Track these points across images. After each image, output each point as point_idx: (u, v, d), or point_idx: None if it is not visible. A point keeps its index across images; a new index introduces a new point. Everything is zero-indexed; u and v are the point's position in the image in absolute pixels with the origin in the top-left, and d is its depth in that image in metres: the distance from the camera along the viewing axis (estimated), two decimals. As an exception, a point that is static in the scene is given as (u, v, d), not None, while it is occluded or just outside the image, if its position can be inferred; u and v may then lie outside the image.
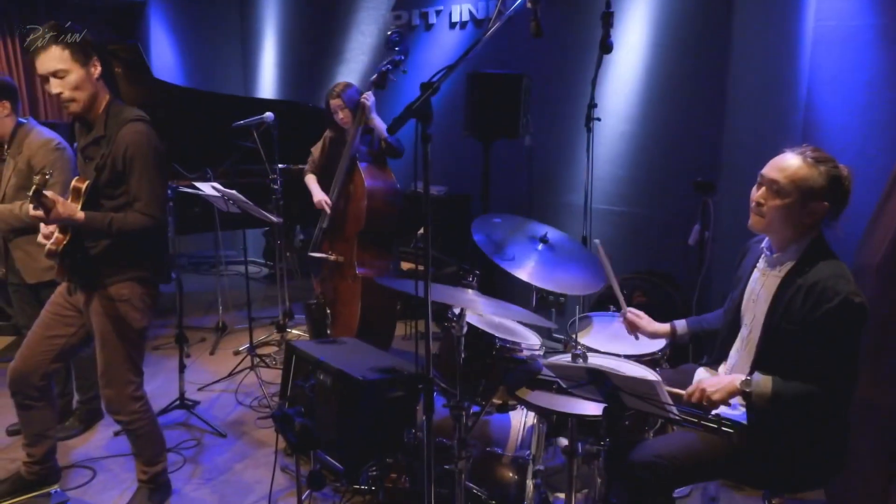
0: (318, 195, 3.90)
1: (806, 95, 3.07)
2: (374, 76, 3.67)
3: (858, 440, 2.07)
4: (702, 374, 2.25)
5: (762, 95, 3.50)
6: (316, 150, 4.08)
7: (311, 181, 4.00)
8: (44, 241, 2.41)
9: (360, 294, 3.75)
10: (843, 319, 1.85)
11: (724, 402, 1.95)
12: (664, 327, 2.43)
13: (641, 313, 2.46)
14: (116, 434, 3.33)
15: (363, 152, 3.83)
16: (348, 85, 3.87)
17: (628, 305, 2.47)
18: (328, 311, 3.98)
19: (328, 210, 3.83)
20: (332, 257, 3.90)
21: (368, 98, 3.69)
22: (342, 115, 3.83)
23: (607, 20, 2.77)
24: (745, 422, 1.94)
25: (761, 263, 2.12)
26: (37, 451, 2.79)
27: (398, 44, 3.66)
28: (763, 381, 1.88)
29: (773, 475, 2.02)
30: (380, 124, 3.76)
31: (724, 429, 1.69)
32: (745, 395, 1.90)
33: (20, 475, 2.82)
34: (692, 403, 1.97)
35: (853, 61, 2.90)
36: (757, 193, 2.01)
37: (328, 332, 3.98)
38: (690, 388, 1.98)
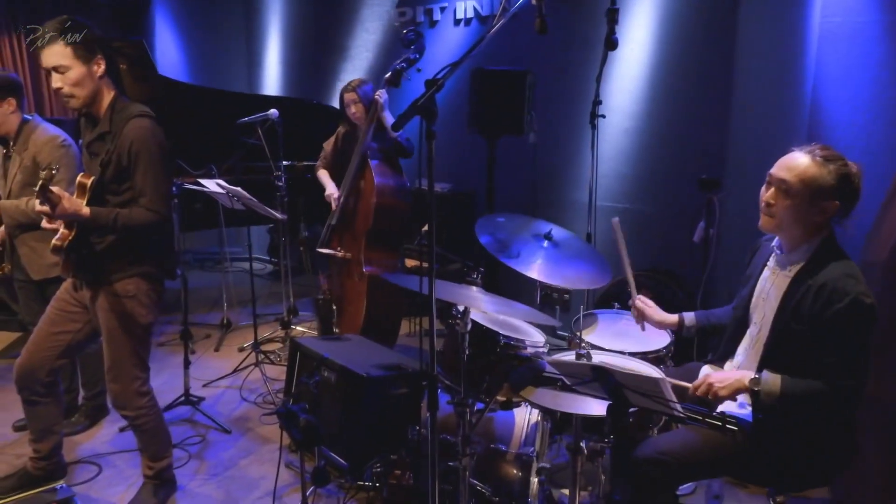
0: (331, 189, 3.90)
1: (811, 92, 3.06)
2: (389, 74, 3.63)
3: (863, 437, 2.06)
4: (707, 372, 2.25)
5: (767, 92, 3.48)
6: (328, 144, 4.08)
7: (324, 175, 4.00)
8: (48, 226, 2.38)
9: (365, 292, 3.75)
10: (852, 320, 1.84)
11: (731, 398, 1.94)
12: (672, 318, 2.41)
13: (650, 302, 2.45)
14: (122, 430, 3.35)
15: (374, 149, 3.83)
16: (364, 81, 3.87)
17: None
18: (334, 308, 3.99)
19: (334, 205, 3.84)
20: (341, 254, 3.89)
21: (382, 95, 3.67)
22: (354, 110, 3.82)
23: (612, 17, 2.76)
24: (750, 420, 1.94)
25: (772, 262, 2.11)
26: (43, 446, 2.80)
27: (414, 42, 3.61)
28: (772, 380, 1.88)
29: (777, 473, 2.01)
30: (391, 122, 3.75)
31: (728, 426, 1.69)
32: (753, 393, 1.89)
33: (26, 470, 2.83)
34: (698, 397, 1.97)
35: (859, 58, 2.89)
36: (766, 194, 1.99)
37: (334, 328, 3.98)
38: (697, 381, 1.98)
